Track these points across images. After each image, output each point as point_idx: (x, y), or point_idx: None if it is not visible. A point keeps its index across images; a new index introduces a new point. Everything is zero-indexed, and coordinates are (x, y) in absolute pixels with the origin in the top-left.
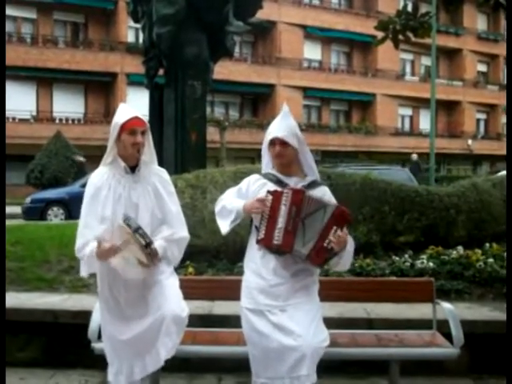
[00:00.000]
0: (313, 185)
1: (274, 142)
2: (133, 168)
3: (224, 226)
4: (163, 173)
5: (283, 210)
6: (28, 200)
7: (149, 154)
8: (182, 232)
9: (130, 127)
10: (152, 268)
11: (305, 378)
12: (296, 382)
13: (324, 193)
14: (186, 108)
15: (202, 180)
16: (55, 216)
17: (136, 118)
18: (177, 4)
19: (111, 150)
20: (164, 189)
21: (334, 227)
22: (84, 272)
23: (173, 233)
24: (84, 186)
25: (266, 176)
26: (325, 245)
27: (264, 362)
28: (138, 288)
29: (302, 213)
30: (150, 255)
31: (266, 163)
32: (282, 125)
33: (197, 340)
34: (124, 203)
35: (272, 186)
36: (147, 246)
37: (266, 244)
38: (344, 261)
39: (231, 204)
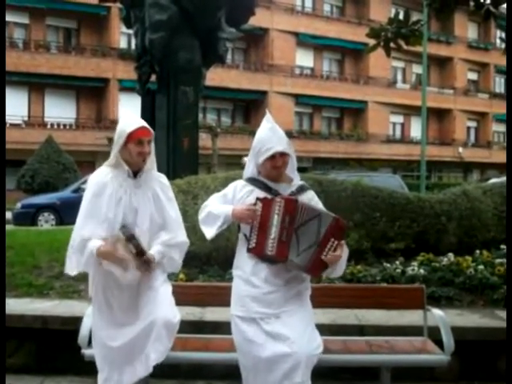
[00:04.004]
0: (301, 190)
1: (274, 156)
2: (135, 173)
3: (209, 231)
4: (163, 178)
5: (276, 219)
6: (18, 205)
7: (150, 161)
8: (182, 237)
9: (137, 137)
10: (148, 273)
11: None
12: None
13: (311, 197)
14: (178, 114)
15: (194, 186)
16: (46, 221)
17: (143, 128)
18: (169, 10)
19: (115, 155)
20: (164, 194)
21: (332, 239)
22: (70, 270)
23: (171, 237)
24: (76, 191)
25: (253, 182)
26: (322, 257)
27: (254, 371)
28: (132, 291)
29: (295, 222)
30: (143, 263)
31: (252, 171)
32: (279, 137)
33: (187, 346)
34: (124, 207)
35: (260, 193)
36: (138, 255)
37: (258, 253)
38: (338, 269)
39: (218, 210)
